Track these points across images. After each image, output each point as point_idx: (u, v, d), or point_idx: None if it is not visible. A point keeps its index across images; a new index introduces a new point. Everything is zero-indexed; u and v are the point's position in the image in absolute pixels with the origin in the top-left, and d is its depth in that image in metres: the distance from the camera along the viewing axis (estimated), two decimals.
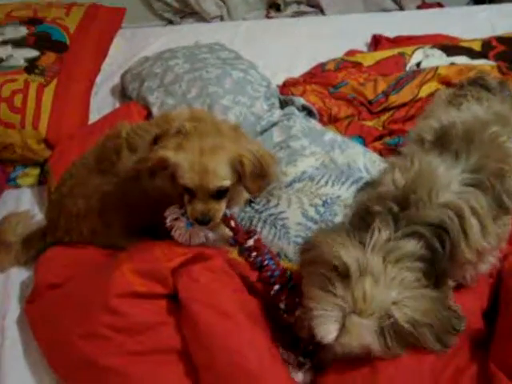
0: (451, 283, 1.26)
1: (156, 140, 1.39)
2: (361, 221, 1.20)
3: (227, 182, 1.33)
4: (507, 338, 1.23)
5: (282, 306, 1.31)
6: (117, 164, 1.46)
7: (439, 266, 1.16)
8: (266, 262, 1.34)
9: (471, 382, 1.23)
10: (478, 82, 1.53)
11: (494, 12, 2.76)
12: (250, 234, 1.38)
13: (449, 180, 1.21)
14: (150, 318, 1.29)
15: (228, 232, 1.43)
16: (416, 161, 1.26)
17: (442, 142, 1.31)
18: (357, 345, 1.09)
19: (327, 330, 1.07)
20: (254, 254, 1.35)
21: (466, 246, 1.18)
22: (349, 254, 1.11)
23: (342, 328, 1.07)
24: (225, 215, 1.38)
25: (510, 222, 1.36)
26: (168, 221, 1.40)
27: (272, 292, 1.32)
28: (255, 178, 1.37)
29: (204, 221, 1.34)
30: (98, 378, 1.27)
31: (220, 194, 1.34)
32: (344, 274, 1.10)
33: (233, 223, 1.38)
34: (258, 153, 1.36)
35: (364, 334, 1.08)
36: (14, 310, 1.56)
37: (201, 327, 1.23)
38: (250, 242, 1.37)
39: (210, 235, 1.42)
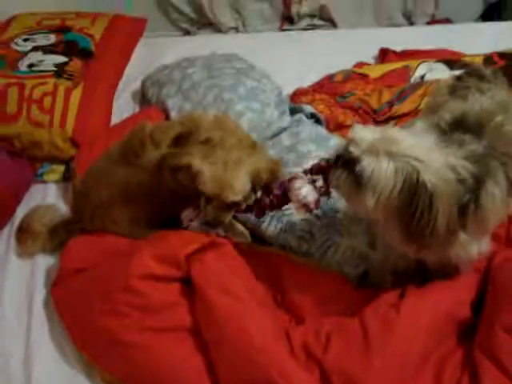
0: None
1: (179, 138, 1.54)
2: None
3: (242, 196, 1.49)
4: (491, 327, 1.34)
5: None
6: (141, 157, 1.59)
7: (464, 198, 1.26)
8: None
9: (457, 365, 1.34)
10: (475, 73, 1.63)
11: (500, 28, 2.88)
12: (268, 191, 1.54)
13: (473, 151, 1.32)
14: (166, 299, 1.42)
15: (239, 227, 1.64)
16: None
17: (456, 128, 1.43)
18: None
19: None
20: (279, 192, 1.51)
21: (492, 203, 1.28)
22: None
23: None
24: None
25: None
26: (184, 222, 1.59)
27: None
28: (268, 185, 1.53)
29: (215, 224, 1.52)
30: (119, 351, 1.39)
31: (233, 204, 1.50)
32: None
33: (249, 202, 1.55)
34: (271, 163, 1.53)
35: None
36: (40, 292, 1.69)
37: (212, 308, 1.36)
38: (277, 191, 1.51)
39: (221, 232, 1.61)
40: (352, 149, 1.24)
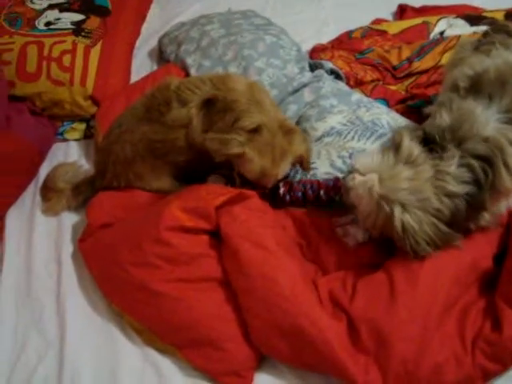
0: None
1: (210, 101, 1.55)
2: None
3: None
4: None
5: (336, 198, 1.57)
6: (166, 114, 1.59)
7: (479, 197, 1.31)
8: (300, 193, 1.59)
9: (479, 313, 1.37)
10: (503, 29, 1.61)
11: None
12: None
13: (486, 119, 1.35)
14: (195, 250, 1.45)
15: None
16: (454, 105, 1.40)
17: (476, 87, 1.42)
18: (360, 190, 1.35)
19: (361, 163, 1.35)
20: (291, 194, 1.60)
21: (507, 175, 1.32)
22: (409, 141, 1.34)
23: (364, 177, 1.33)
24: None
25: None
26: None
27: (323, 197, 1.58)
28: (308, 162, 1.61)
29: None
30: (148, 301, 1.43)
31: None
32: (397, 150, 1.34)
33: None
34: (307, 145, 1.61)
35: (369, 190, 1.32)
36: (68, 247, 1.73)
37: (241, 257, 1.39)
38: (281, 191, 1.61)
39: None
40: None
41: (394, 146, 1.35)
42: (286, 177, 1.66)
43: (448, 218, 1.32)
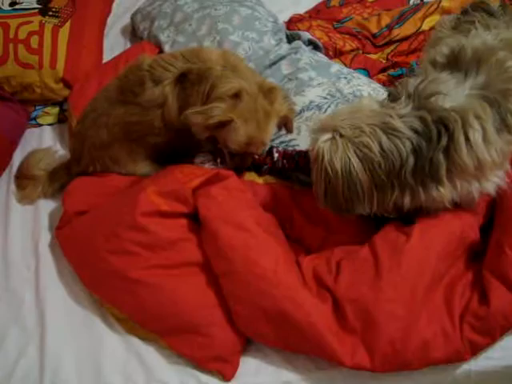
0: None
1: (184, 75, 1.48)
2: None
3: None
4: (500, 247, 1.34)
5: None
6: (140, 95, 1.52)
7: (432, 156, 1.25)
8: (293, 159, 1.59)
9: (467, 286, 1.35)
10: (481, 7, 1.55)
11: None
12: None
13: (457, 91, 1.30)
14: (174, 235, 1.41)
15: None
16: (429, 75, 1.36)
17: (452, 64, 1.38)
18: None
19: None
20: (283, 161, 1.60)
21: (467, 148, 1.25)
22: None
23: None
24: None
25: None
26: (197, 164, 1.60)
27: None
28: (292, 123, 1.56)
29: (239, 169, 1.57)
30: (128, 289, 1.39)
31: None
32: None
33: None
34: (288, 103, 1.53)
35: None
36: (45, 236, 1.68)
37: (221, 241, 1.35)
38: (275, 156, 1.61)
39: None
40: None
41: None
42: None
43: (381, 162, 1.25)
